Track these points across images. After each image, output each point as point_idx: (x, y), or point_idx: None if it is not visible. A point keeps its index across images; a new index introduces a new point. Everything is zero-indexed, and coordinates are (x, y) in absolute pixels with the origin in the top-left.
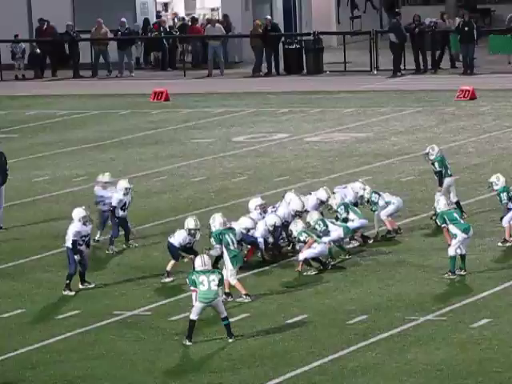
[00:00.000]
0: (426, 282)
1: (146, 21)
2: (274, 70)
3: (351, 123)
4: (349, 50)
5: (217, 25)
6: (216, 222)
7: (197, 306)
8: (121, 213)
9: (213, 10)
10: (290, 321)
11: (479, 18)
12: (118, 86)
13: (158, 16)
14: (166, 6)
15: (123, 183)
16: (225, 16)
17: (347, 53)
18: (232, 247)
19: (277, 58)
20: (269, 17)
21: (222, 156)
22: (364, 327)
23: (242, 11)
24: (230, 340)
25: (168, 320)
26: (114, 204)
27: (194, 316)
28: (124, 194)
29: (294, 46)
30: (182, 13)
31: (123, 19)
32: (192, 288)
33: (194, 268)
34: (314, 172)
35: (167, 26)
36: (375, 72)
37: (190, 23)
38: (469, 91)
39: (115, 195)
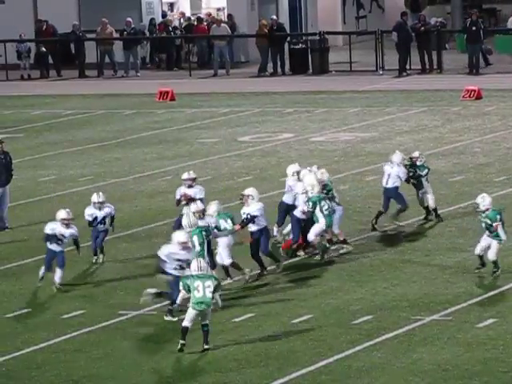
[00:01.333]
0: (432, 281)
1: (152, 21)
2: (279, 70)
3: (356, 123)
4: (354, 49)
5: (222, 25)
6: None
7: (190, 312)
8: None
9: (218, 9)
10: (295, 321)
11: (485, 18)
12: (124, 86)
13: (164, 16)
14: (171, 5)
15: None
16: (230, 16)
17: (353, 52)
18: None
19: (282, 57)
20: (274, 17)
21: (227, 156)
22: (369, 327)
23: (248, 11)
24: (206, 346)
25: (173, 320)
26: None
27: (187, 323)
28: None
29: (299, 46)
30: (187, 12)
31: (129, 19)
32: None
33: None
34: None
35: (173, 26)
36: (381, 72)
37: (195, 23)
38: (474, 91)
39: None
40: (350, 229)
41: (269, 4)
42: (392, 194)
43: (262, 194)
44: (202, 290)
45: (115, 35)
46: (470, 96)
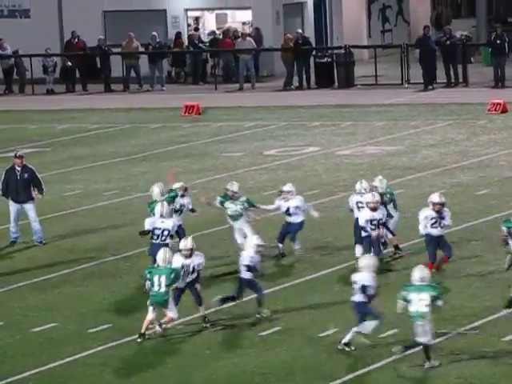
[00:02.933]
0: (458, 295)
1: (178, 35)
2: (305, 84)
3: (382, 136)
4: (380, 63)
5: (247, 38)
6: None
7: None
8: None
9: (244, 23)
10: (321, 334)
11: (510, 31)
12: (150, 100)
13: (195, 29)
14: (197, 20)
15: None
16: (256, 29)
17: (378, 66)
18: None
19: (308, 71)
20: (300, 30)
21: (253, 169)
22: (395, 340)
23: (273, 25)
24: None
25: (200, 334)
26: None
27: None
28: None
29: (325, 60)
30: (213, 26)
31: (154, 33)
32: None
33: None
34: (345, 185)
35: (197, 40)
36: (406, 85)
37: (221, 37)
38: (500, 104)
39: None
40: None
41: (294, 18)
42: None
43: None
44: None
45: (141, 49)
46: (495, 109)
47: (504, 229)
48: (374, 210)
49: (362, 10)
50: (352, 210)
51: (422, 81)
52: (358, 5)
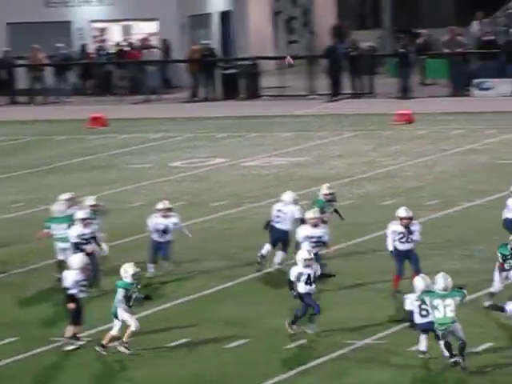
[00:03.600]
0: (364, 305)
1: (84, 46)
2: (211, 95)
3: (289, 147)
4: (286, 74)
5: (154, 50)
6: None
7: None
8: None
9: (150, 35)
10: (229, 345)
11: (415, 42)
12: (55, 112)
13: (99, 41)
14: (102, 31)
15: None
16: (164, 41)
17: (284, 77)
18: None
19: (214, 82)
20: (206, 41)
21: (159, 181)
22: (302, 351)
23: (179, 36)
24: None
25: (109, 345)
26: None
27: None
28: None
29: (231, 71)
30: (118, 38)
31: (59, 45)
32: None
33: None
34: (252, 196)
35: (103, 52)
36: (313, 96)
37: (127, 48)
38: (406, 115)
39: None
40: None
41: (200, 29)
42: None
43: (194, 220)
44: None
45: (46, 61)
46: (401, 120)
47: (499, 255)
48: (314, 226)
49: (268, 22)
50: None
51: (329, 92)
52: (263, 16)
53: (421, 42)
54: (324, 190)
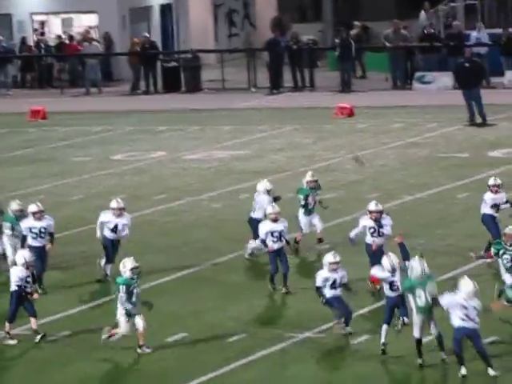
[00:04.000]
0: (306, 298)
1: (24, 39)
2: (152, 88)
3: (229, 141)
4: (227, 67)
5: (94, 43)
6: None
7: None
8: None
9: (90, 28)
10: (169, 339)
11: (356, 36)
12: None
13: (40, 34)
14: (43, 24)
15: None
16: (106, 34)
17: (225, 70)
18: None
19: (155, 75)
20: (146, 34)
21: (100, 174)
22: (244, 345)
23: (120, 29)
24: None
25: (45, 337)
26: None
27: None
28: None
29: (171, 64)
30: (59, 31)
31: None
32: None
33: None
34: (193, 190)
35: (44, 44)
36: (253, 90)
37: (67, 41)
38: (346, 108)
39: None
40: (223, 246)
41: (141, 22)
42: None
43: (135, 213)
44: None
45: None
46: (342, 113)
47: (493, 250)
48: (274, 221)
49: (209, 15)
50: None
51: (269, 85)
52: (204, 9)
53: (355, 34)
54: (307, 177)
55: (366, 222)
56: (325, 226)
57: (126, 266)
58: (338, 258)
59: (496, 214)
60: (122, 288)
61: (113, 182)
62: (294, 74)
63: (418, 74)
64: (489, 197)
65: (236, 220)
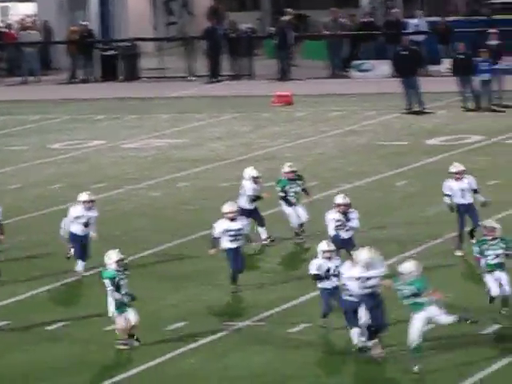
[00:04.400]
0: (245, 287)
1: None
2: (90, 77)
3: (168, 129)
4: (165, 55)
5: (32, 31)
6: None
7: None
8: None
9: (28, 16)
10: (108, 328)
11: (294, 24)
12: None
13: None
14: None
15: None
16: (44, 22)
17: (164, 59)
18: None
19: (93, 64)
20: (85, 23)
21: (38, 163)
22: (183, 333)
23: (57, 17)
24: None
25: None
26: None
27: None
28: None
29: (109, 53)
30: None
31: None
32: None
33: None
34: (132, 178)
35: None
36: (192, 78)
37: (4, 30)
38: (285, 97)
39: None
40: (162, 235)
41: (79, 10)
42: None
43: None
44: None
45: None
46: (280, 102)
47: (476, 249)
48: (232, 220)
49: (147, 3)
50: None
51: (208, 73)
52: None
53: (286, 20)
54: (285, 168)
55: (333, 215)
56: (266, 213)
57: (112, 257)
58: (332, 247)
59: (465, 201)
60: (107, 282)
61: (51, 171)
62: (233, 63)
63: (356, 62)
64: (451, 185)
65: (174, 208)
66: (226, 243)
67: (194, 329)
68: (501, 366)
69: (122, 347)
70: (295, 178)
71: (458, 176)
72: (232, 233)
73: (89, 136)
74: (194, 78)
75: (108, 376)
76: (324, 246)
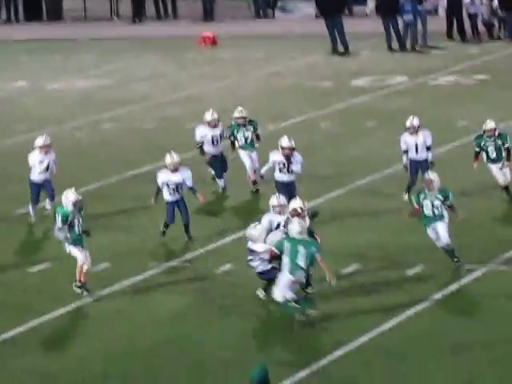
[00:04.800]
0: (170, 228)
1: None
2: (13, 17)
3: (92, 70)
4: None
5: None
6: None
7: None
8: None
9: None
10: (30, 270)
11: None
12: None
13: None
14: None
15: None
16: None
17: None
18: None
19: (15, 3)
20: None
21: None
22: (107, 274)
23: None
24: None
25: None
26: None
27: None
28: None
29: None
30: None
31: None
32: None
33: None
34: (56, 119)
35: None
36: (116, 18)
37: None
38: (209, 38)
39: None
40: (86, 176)
41: None
42: None
43: None
44: None
45: None
46: (205, 42)
47: (415, 199)
48: (173, 171)
49: None
50: None
51: (132, 14)
52: None
53: None
54: (235, 113)
55: (277, 156)
56: (190, 155)
57: (69, 197)
58: (282, 201)
59: (418, 157)
60: (58, 215)
61: None
62: (157, 3)
63: (280, 3)
64: (406, 139)
65: (99, 149)
66: (166, 195)
67: (118, 270)
68: (425, 307)
69: (77, 290)
70: (245, 123)
71: (413, 130)
72: (172, 185)
73: (12, 76)
74: (117, 19)
75: (28, 319)
76: (274, 201)
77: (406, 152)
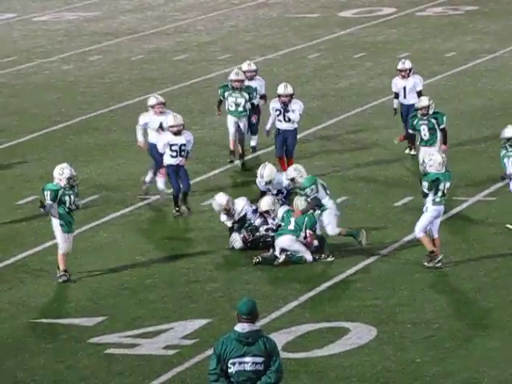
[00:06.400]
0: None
1: None
2: None
3: (79, 2)
4: None
5: None
6: None
7: None
8: None
9: None
10: (20, 202)
11: None
12: None
13: None
14: None
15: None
16: None
17: None
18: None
19: None
20: None
21: None
22: (96, 207)
23: None
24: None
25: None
26: None
27: None
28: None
29: None
30: None
31: None
32: None
33: None
34: (43, 52)
35: None
36: None
37: None
38: None
39: None
40: (74, 108)
41: None
42: None
43: None
44: None
45: None
46: None
47: (410, 124)
48: (176, 133)
49: None
50: None
51: None
52: None
53: None
54: (231, 75)
55: (275, 104)
56: (177, 86)
57: (64, 173)
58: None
59: (407, 102)
60: (47, 194)
61: None
62: None
63: None
64: (396, 82)
65: (87, 81)
66: (167, 158)
67: (107, 202)
68: (413, 237)
69: (62, 279)
70: (241, 87)
71: (404, 74)
72: (175, 147)
73: None
74: None
75: (20, 250)
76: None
77: (397, 96)
